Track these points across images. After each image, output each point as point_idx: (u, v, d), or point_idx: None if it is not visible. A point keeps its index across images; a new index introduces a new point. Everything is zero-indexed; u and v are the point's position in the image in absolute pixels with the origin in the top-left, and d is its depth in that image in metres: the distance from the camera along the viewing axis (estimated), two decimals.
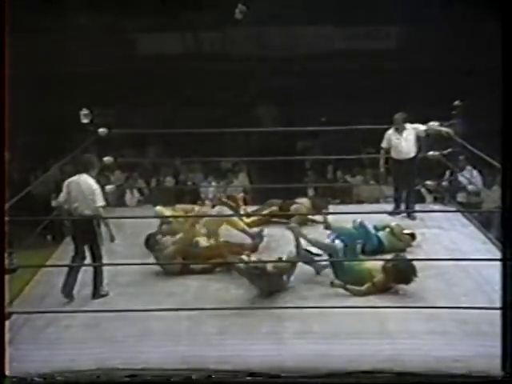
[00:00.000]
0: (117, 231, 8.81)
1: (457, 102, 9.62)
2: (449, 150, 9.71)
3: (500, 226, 5.87)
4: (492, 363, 5.73)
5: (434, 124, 9.35)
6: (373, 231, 8.12)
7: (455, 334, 6.34)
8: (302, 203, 9.20)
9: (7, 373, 5.57)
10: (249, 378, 5.79)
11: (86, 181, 7.16)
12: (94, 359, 5.97)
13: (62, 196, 7.23)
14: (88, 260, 7.16)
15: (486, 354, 5.85)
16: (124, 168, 13.42)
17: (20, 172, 12.56)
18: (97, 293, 7.15)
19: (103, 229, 7.13)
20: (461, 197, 10.91)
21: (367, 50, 14.42)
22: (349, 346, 6.16)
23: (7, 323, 5.74)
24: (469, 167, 11.09)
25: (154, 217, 8.53)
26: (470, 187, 10.38)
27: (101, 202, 7.12)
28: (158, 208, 8.75)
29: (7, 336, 5.65)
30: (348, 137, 13.52)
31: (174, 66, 14.44)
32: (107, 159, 10.07)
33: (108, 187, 10.49)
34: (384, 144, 9.46)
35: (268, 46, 14.70)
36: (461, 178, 10.69)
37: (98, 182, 7.35)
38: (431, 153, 9.56)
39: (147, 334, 6.41)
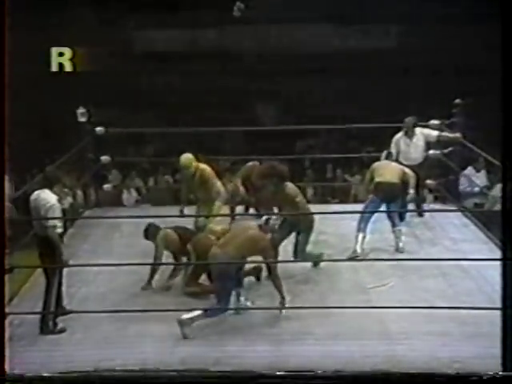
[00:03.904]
0: (114, 231, 8.86)
1: (457, 101, 9.58)
2: (450, 148, 9.67)
3: (500, 225, 5.83)
4: (492, 364, 5.69)
5: (436, 132, 9.31)
6: None
7: (455, 334, 6.34)
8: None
9: (7, 372, 5.54)
10: (248, 378, 5.76)
11: (44, 198, 6.54)
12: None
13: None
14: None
15: (486, 355, 5.80)
16: (121, 167, 13.37)
17: (16, 171, 12.50)
18: (45, 327, 6.51)
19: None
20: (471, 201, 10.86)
21: (367, 49, 14.38)
22: (347, 347, 6.14)
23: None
24: (483, 170, 11.05)
25: (152, 216, 8.46)
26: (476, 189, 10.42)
27: (52, 222, 6.44)
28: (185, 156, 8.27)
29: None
30: (348, 136, 13.48)
31: (172, 64, 14.39)
32: (104, 158, 10.06)
33: (105, 186, 10.49)
34: (392, 148, 9.28)
35: (266, 44, 14.64)
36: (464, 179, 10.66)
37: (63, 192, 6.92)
38: (432, 152, 9.50)
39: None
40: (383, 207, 8.33)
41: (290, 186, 7.54)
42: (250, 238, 6.68)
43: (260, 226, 6.80)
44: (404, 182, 8.42)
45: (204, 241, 7.20)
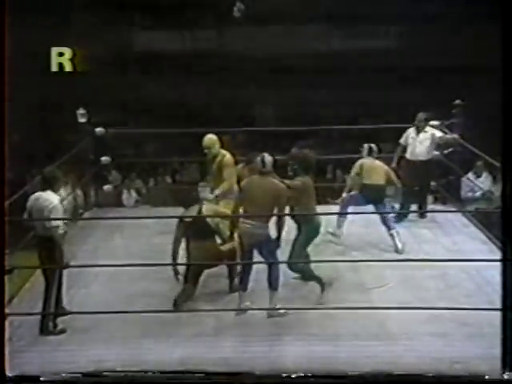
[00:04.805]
0: (114, 232, 8.85)
1: (457, 101, 9.60)
2: (449, 149, 9.68)
3: (500, 225, 5.83)
4: (492, 364, 5.69)
5: (443, 134, 9.34)
6: None
7: (455, 335, 6.33)
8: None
9: (7, 373, 5.54)
10: (248, 378, 5.76)
11: (46, 199, 6.54)
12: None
13: (26, 213, 6.69)
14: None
15: (486, 356, 5.81)
16: (121, 168, 13.36)
17: (16, 172, 12.48)
18: (45, 327, 6.50)
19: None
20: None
21: (366, 49, 14.38)
22: (348, 348, 6.14)
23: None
24: (485, 173, 10.98)
25: (152, 217, 8.47)
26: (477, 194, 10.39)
27: (55, 222, 6.44)
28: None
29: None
30: (347, 136, 13.46)
31: (172, 64, 14.39)
32: (104, 159, 10.06)
33: (105, 187, 10.49)
34: (402, 140, 9.42)
35: (266, 44, 14.64)
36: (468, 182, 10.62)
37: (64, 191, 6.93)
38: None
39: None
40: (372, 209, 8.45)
41: (307, 179, 7.37)
42: (269, 190, 6.75)
43: (261, 173, 6.86)
44: (389, 183, 8.55)
45: (208, 249, 7.12)
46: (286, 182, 7.05)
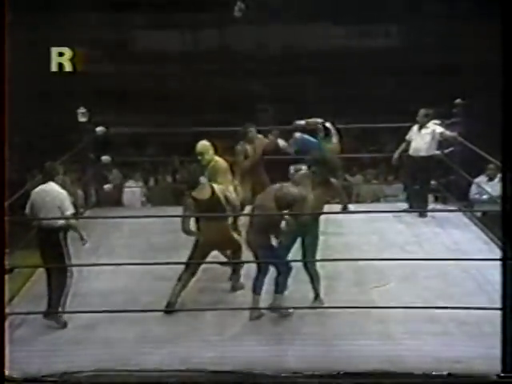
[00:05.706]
0: (114, 231, 8.86)
1: (458, 100, 9.60)
2: (450, 148, 9.68)
3: (500, 225, 5.83)
4: (492, 364, 5.69)
5: (444, 130, 9.35)
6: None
7: (456, 334, 6.34)
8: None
9: (6, 373, 5.55)
10: (248, 378, 5.76)
11: (52, 189, 6.66)
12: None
13: (28, 207, 6.73)
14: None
15: (487, 355, 5.81)
16: (122, 167, 13.36)
17: (17, 171, 12.48)
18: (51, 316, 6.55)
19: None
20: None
21: (367, 49, 14.39)
22: (349, 347, 6.13)
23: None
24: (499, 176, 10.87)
25: (151, 216, 8.46)
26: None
27: (70, 210, 6.65)
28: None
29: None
30: (348, 135, 13.45)
31: (172, 64, 14.40)
32: (105, 158, 10.07)
33: (106, 186, 10.50)
34: (407, 136, 9.48)
35: (266, 44, 14.65)
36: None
37: (64, 188, 6.89)
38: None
39: None
40: None
41: (335, 184, 7.06)
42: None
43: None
44: None
45: (220, 228, 7.05)
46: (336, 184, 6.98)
